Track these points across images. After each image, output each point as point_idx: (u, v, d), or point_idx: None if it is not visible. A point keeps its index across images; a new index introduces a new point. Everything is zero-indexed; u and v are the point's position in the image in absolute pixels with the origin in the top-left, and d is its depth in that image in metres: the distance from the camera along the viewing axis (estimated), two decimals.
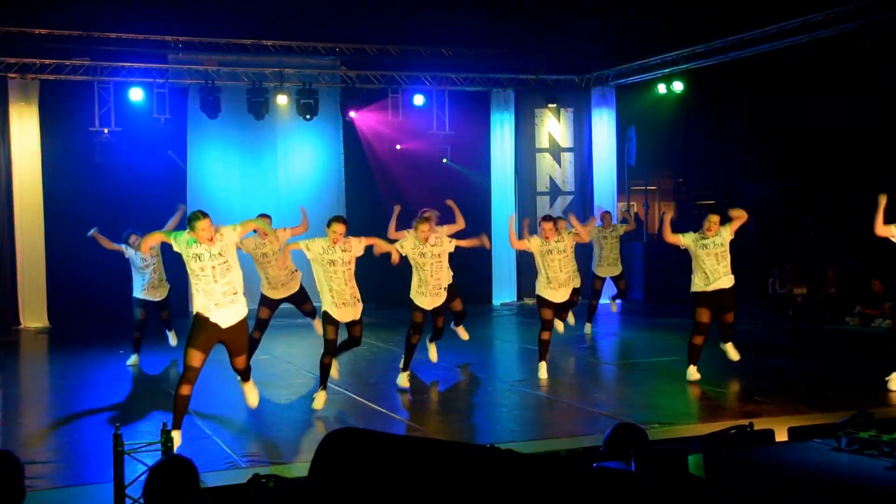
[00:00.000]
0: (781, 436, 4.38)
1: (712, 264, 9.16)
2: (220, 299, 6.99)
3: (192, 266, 6.98)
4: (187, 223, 7.12)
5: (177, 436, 6.86)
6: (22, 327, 14.84)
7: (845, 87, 16.08)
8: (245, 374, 7.59)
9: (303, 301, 9.96)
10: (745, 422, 4.47)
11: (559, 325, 10.92)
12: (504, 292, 17.75)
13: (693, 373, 9.26)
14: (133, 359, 11.00)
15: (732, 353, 9.54)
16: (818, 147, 18.43)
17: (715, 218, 9.35)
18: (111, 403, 8.84)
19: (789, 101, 18.59)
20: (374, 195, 17.51)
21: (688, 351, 9.27)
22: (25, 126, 14.91)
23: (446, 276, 9.30)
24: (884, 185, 16.00)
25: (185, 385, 6.98)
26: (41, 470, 6.40)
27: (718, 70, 16.14)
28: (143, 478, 4.97)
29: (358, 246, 8.25)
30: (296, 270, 9.82)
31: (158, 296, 10.91)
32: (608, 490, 2.51)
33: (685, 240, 9.30)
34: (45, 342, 13.87)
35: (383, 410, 8.38)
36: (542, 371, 9.70)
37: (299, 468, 6.20)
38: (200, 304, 6.99)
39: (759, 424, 4.56)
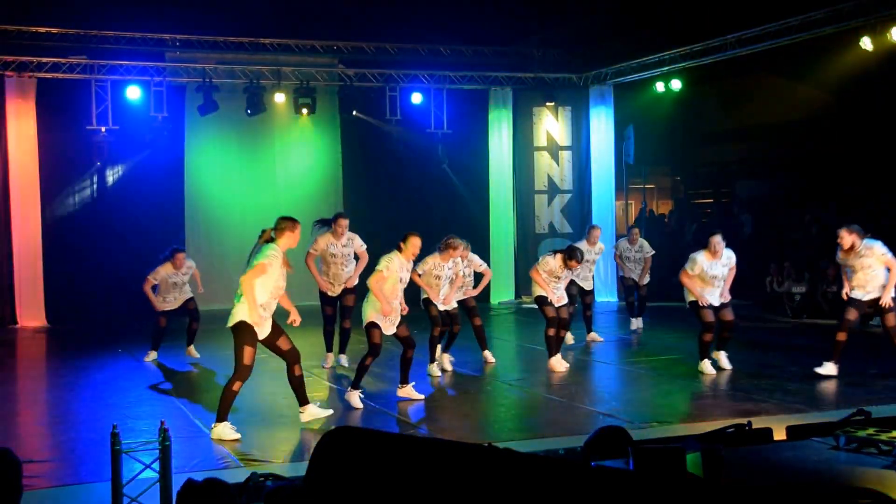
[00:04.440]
0: (780, 434, 4.38)
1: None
2: (270, 308, 7.27)
3: (278, 273, 7.20)
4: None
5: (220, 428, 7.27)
6: (19, 326, 14.82)
7: (844, 86, 16.08)
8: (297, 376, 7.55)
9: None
10: (744, 420, 4.47)
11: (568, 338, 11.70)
12: (502, 291, 17.74)
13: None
14: (190, 350, 11.34)
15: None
16: (816, 145, 18.44)
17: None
18: (108, 402, 8.82)
19: (787, 100, 18.60)
20: (371, 193, 17.52)
21: None
22: (22, 124, 14.88)
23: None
24: (882, 183, 16.05)
25: (239, 383, 7.25)
26: (38, 469, 6.38)
27: (716, 68, 16.13)
28: (140, 476, 4.98)
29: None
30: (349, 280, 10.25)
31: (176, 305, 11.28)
32: (606, 489, 2.51)
33: None
34: (43, 341, 13.85)
35: (381, 409, 8.37)
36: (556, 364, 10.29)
37: (297, 467, 6.19)
38: (256, 313, 7.06)
39: (758, 423, 4.56)
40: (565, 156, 18.12)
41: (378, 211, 17.11)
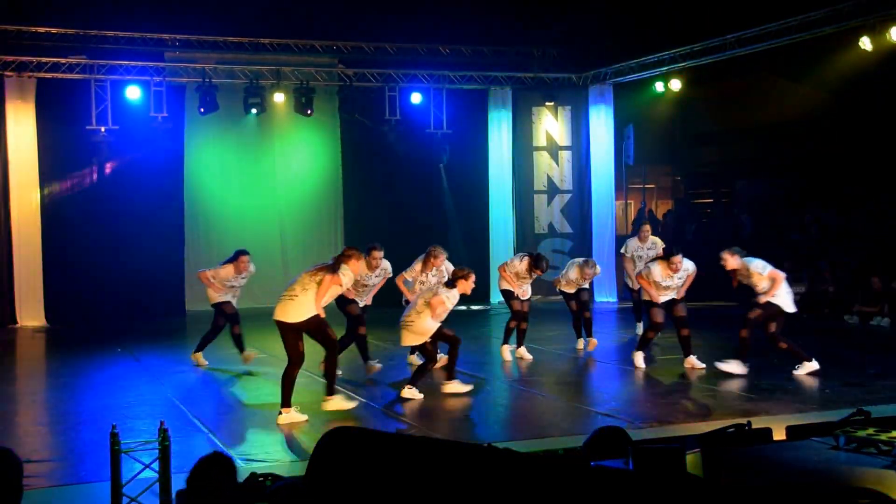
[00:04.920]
0: (779, 434, 4.38)
1: None
2: None
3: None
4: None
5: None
6: (19, 326, 14.81)
7: (844, 86, 16.08)
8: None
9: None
10: (743, 420, 4.46)
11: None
12: None
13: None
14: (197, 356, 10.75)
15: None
16: (816, 145, 18.45)
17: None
18: (108, 402, 8.81)
19: (787, 100, 18.60)
20: (371, 193, 17.50)
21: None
22: (22, 124, 14.87)
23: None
24: (882, 183, 16.06)
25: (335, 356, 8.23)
26: (38, 469, 6.38)
27: (716, 68, 16.13)
28: (140, 476, 4.98)
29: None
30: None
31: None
32: (606, 489, 2.51)
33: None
34: (42, 341, 13.85)
35: (381, 409, 8.37)
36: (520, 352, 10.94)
37: (297, 467, 6.19)
38: (321, 310, 7.92)
39: (757, 423, 4.56)
40: (565, 156, 18.12)
41: (378, 211, 17.10)
